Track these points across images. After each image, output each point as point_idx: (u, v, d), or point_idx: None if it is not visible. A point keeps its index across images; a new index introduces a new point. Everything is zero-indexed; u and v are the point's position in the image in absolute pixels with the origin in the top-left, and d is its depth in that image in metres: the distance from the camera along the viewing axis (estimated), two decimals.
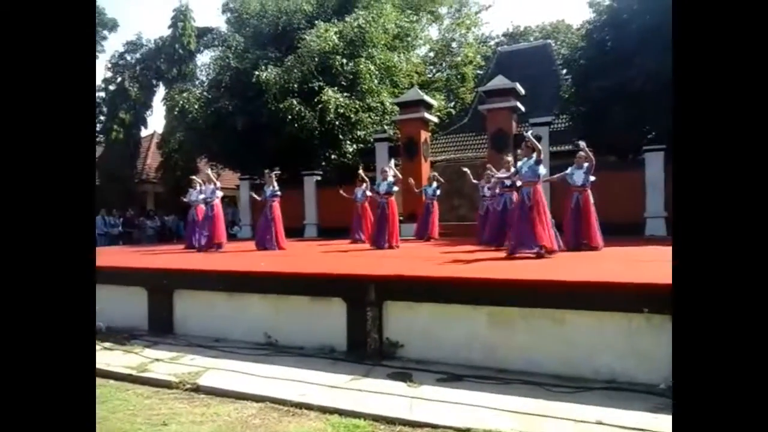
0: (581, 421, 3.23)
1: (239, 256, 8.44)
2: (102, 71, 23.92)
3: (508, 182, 8.19)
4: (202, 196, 10.27)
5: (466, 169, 10.58)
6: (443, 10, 23.33)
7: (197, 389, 4.15)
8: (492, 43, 28.24)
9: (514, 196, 7.76)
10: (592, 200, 7.61)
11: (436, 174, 12.08)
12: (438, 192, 11.33)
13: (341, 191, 11.47)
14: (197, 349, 5.28)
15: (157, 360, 4.92)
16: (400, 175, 9.86)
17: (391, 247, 8.97)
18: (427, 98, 14.44)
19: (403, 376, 4.22)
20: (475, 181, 10.26)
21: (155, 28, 56.07)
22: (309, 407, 3.67)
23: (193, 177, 11.20)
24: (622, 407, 3.40)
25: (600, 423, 3.20)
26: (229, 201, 19.53)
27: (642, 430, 3.07)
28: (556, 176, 7.96)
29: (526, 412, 3.41)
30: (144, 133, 24.24)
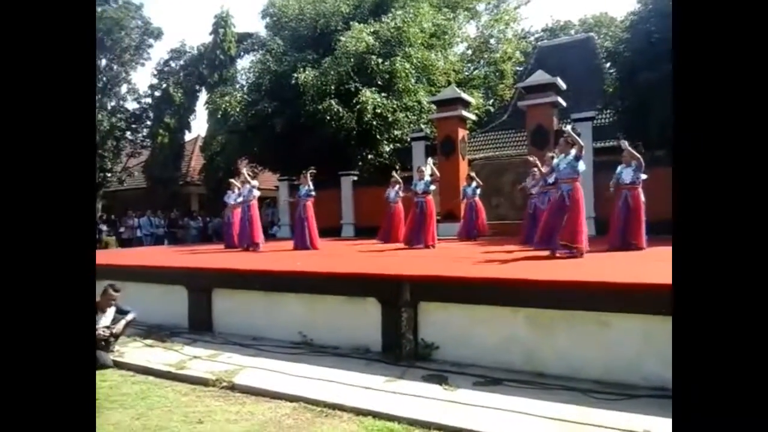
0: (628, 430, 3.05)
1: (276, 256, 8.53)
2: (148, 78, 24.83)
3: (550, 179, 7.94)
4: (240, 199, 10.44)
5: (533, 158, 9.63)
6: (481, 7, 22.96)
7: (233, 387, 4.19)
8: (531, 38, 27.58)
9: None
10: (642, 198, 7.27)
11: (473, 174, 11.87)
12: (478, 190, 11.11)
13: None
14: (234, 347, 5.35)
15: (196, 357, 5.01)
16: (437, 173, 9.70)
17: (427, 246, 8.85)
18: (464, 96, 14.21)
19: (439, 378, 4.12)
20: (525, 184, 9.91)
21: (198, 35, 57.97)
22: (343, 408, 3.63)
23: (232, 180, 11.40)
24: (670, 416, 3.18)
25: None
26: (270, 201, 19.88)
27: None
28: (611, 184, 7.57)
29: (569, 419, 3.25)
30: (188, 136, 25.06)
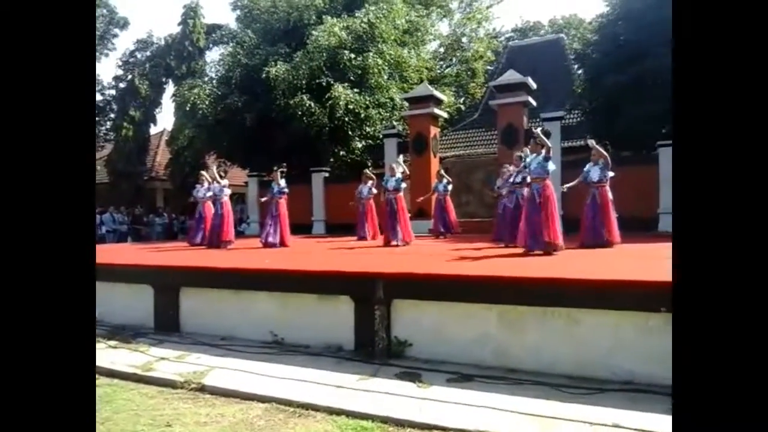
0: (598, 424, 3.11)
1: (246, 254, 8.38)
2: (113, 69, 24.12)
3: (518, 178, 8.06)
4: (209, 193, 10.22)
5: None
6: (454, 5, 23.11)
7: (202, 389, 4.08)
8: (502, 38, 27.93)
9: (525, 191, 7.62)
10: (610, 196, 7.45)
11: (443, 171, 11.94)
12: (449, 187, 11.19)
13: (350, 203, 11.34)
14: (203, 347, 5.22)
15: (163, 359, 4.86)
16: (407, 171, 9.73)
17: (405, 243, 8.90)
18: (437, 93, 14.27)
19: (412, 376, 4.12)
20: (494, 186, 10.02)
21: (165, 26, 56.39)
22: (316, 408, 3.58)
23: (202, 172, 11.12)
24: (640, 409, 3.26)
25: (617, 426, 3.07)
26: (238, 198, 19.54)
27: None
28: (576, 182, 7.74)
29: (541, 414, 3.29)
30: (153, 130, 24.37)
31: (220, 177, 10.06)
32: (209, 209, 10.25)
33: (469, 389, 3.78)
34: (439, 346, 4.48)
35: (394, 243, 8.87)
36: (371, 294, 4.73)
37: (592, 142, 7.60)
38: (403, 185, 9.38)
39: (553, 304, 4.11)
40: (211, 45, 22.38)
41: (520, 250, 6.67)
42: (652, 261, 5.53)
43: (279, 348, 5.10)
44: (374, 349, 4.68)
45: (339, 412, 3.50)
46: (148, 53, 23.40)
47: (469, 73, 21.96)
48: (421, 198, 11.64)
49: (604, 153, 7.54)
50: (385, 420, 3.36)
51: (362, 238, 10.79)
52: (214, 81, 17.24)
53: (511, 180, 8.36)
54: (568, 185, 7.73)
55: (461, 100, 21.13)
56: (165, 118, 62.04)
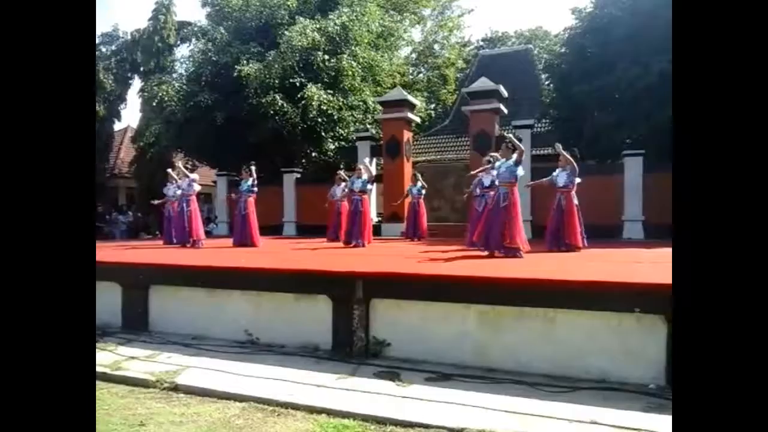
0: (576, 421, 3.18)
1: (218, 253, 8.20)
2: None
3: (487, 182, 8.17)
4: (179, 192, 9.94)
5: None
6: (426, 12, 23.39)
7: (176, 388, 3.96)
8: (471, 47, 28.41)
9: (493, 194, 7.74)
10: (575, 201, 7.64)
11: (418, 174, 12.03)
12: (424, 191, 11.26)
13: (326, 205, 11.29)
14: (174, 346, 5.08)
15: (132, 358, 4.70)
16: (374, 173, 9.78)
17: (363, 245, 8.91)
18: (410, 98, 14.38)
19: (391, 375, 4.12)
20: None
21: (132, 20, 54.76)
22: (295, 407, 3.53)
23: (170, 170, 10.81)
24: (615, 407, 3.36)
25: (595, 423, 3.15)
26: (205, 197, 19.12)
27: (637, 429, 3.03)
28: (544, 180, 7.95)
29: (520, 411, 3.34)
30: (117, 126, 23.60)
31: (188, 171, 9.80)
32: (176, 207, 9.97)
33: (448, 388, 3.81)
34: (418, 346, 4.50)
35: (353, 244, 8.89)
36: (350, 293, 4.71)
37: (559, 148, 7.76)
38: (369, 187, 9.41)
39: (530, 305, 4.19)
40: (179, 41, 21.87)
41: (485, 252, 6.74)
42: (619, 264, 5.72)
43: (254, 348, 5.01)
44: (352, 348, 4.65)
45: (319, 411, 3.47)
46: (113, 47, 22.63)
47: (440, 79, 22.25)
48: (398, 201, 11.70)
49: (571, 159, 7.73)
50: (366, 418, 3.34)
51: (334, 240, 10.72)
52: (184, 78, 16.87)
53: (484, 182, 8.44)
54: (532, 183, 7.93)
55: (432, 106, 21.38)
56: (129, 115, 60.21)
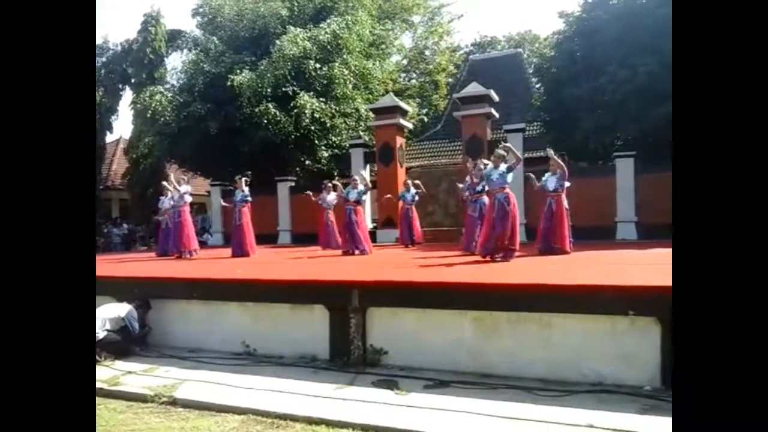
0: (572, 425, 3.21)
1: (213, 264, 8.20)
2: None
3: (479, 187, 8.22)
4: (173, 203, 9.94)
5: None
6: (416, 19, 23.55)
7: (174, 402, 3.96)
8: (462, 52, 28.60)
9: (486, 200, 7.80)
10: (566, 205, 7.70)
11: (409, 181, 12.06)
12: (417, 197, 11.30)
13: (312, 197, 11.22)
14: (171, 360, 5.08)
15: (130, 372, 4.70)
16: (370, 184, 9.82)
17: (366, 252, 8.96)
18: (402, 104, 14.47)
19: (389, 383, 4.14)
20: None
21: (122, 31, 54.70)
22: (294, 418, 3.54)
23: (164, 182, 10.80)
24: (611, 410, 3.39)
25: (591, 426, 3.18)
26: (199, 208, 19.08)
27: None
28: (535, 184, 8.01)
29: (517, 417, 3.38)
30: (109, 138, 23.52)
31: (178, 184, 9.80)
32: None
33: (446, 395, 3.83)
34: (415, 354, 4.52)
35: (352, 253, 8.92)
36: (346, 302, 4.73)
37: (550, 152, 7.83)
38: (364, 198, 9.45)
39: (525, 309, 4.23)
40: (169, 51, 21.86)
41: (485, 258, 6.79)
42: (611, 267, 5.78)
43: (251, 359, 5.02)
44: (350, 358, 4.67)
45: (318, 422, 3.48)
46: (104, 59, 22.60)
47: (431, 85, 22.39)
48: (388, 195, 11.67)
49: (561, 163, 7.80)
50: (365, 428, 3.36)
51: (327, 248, 10.72)
52: (176, 88, 16.87)
53: (476, 188, 8.47)
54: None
55: (424, 112, 21.50)
56: (121, 126, 60.04)
